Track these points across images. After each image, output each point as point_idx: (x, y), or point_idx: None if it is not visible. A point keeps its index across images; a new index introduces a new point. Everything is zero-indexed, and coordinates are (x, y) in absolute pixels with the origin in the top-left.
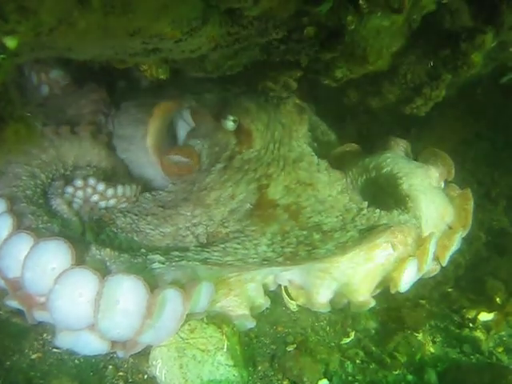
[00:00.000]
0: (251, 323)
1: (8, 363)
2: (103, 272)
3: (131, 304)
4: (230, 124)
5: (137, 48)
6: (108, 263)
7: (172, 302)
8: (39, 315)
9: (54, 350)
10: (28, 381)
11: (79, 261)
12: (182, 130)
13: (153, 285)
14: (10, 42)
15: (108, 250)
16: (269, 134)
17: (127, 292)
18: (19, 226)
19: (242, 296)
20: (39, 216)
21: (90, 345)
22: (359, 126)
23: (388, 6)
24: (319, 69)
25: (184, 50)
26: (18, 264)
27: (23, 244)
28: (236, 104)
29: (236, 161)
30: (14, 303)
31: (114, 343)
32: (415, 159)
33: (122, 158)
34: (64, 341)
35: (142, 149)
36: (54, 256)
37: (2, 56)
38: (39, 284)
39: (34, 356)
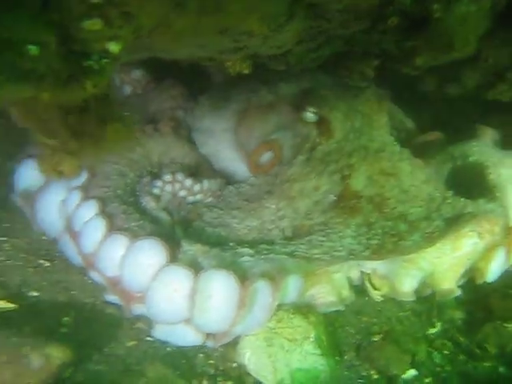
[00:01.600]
0: (341, 308)
1: (106, 350)
2: (196, 267)
3: (224, 297)
4: (310, 116)
5: (226, 45)
6: (200, 258)
7: (263, 293)
8: (136, 309)
9: (148, 338)
10: (126, 366)
11: (172, 257)
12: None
13: (243, 277)
14: (113, 47)
15: (199, 245)
16: (349, 124)
17: (220, 286)
18: (112, 227)
19: (330, 285)
20: (130, 214)
21: (186, 337)
22: (437, 113)
23: None
24: (399, 57)
25: (271, 46)
26: (116, 263)
27: (119, 244)
28: (315, 95)
29: (317, 152)
30: (112, 297)
31: (206, 335)
32: (504, 149)
33: (202, 150)
34: (161, 333)
35: (221, 142)
36: (150, 255)
37: (105, 60)
38: (137, 281)
39: (129, 344)
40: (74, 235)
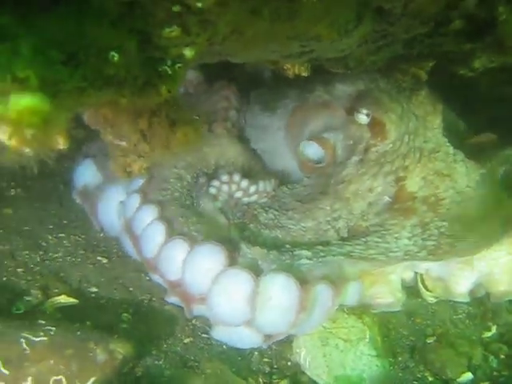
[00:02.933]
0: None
1: (165, 346)
2: (256, 270)
3: (285, 301)
4: (363, 117)
5: (294, 50)
6: (259, 261)
7: (323, 296)
8: (197, 310)
9: (203, 335)
10: (184, 363)
11: (232, 261)
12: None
13: (303, 280)
14: (189, 53)
15: (257, 248)
16: (403, 126)
17: (280, 289)
18: (171, 231)
19: (388, 286)
20: (188, 218)
21: (247, 339)
22: (490, 115)
23: None
24: (456, 59)
25: (336, 50)
26: (177, 267)
27: (179, 249)
28: (368, 96)
29: (371, 153)
30: (173, 299)
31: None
32: None
33: (256, 148)
34: (222, 335)
35: (276, 139)
36: (210, 259)
37: (178, 65)
38: (198, 285)
39: (186, 340)
40: (135, 239)
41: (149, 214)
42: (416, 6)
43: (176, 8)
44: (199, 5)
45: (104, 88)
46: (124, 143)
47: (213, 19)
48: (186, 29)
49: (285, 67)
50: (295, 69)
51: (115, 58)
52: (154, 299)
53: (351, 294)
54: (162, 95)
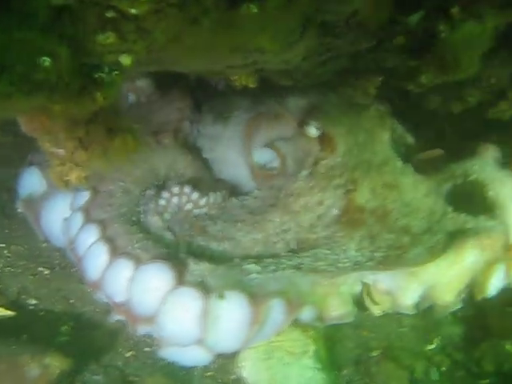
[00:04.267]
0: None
1: (104, 360)
2: (204, 287)
3: (236, 318)
4: (313, 130)
5: (237, 61)
6: (207, 278)
7: (275, 312)
8: (142, 329)
9: (146, 349)
10: (124, 377)
11: (180, 278)
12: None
13: (254, 296)
14: (125, 60)
15: (206, 263)
16: (352, 139)
17: (231, 307)
18: (115, 251)
19: (339, 297)
20: (134, 235)
21: (196, 358)
22: (438, 130)
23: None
24: (403, 75)
25: (280, 62)
26: (122, 288)
27: (124, 269)
28: (318, 110)
29: (321, 166)
30: (118, 317)
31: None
32: (506, 168)
33: (208, 158)
34: (171, 354)
35: (228, 149)
36: (157, 278)
37: (115, 72)
38: (146, 305)
39: (128, 354)
40: (78, 260)
41: (91, 235)
42: (359, 21)
43: (110, 14)
44: (133, 11)
45: (33, 93)
46: (61, 151)
47: (149, 26)
48: (122, 35)
49: (232, 78)
50: (242, 80)
51: (46, 63)
52: (96, 311)
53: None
54: (97, 102)
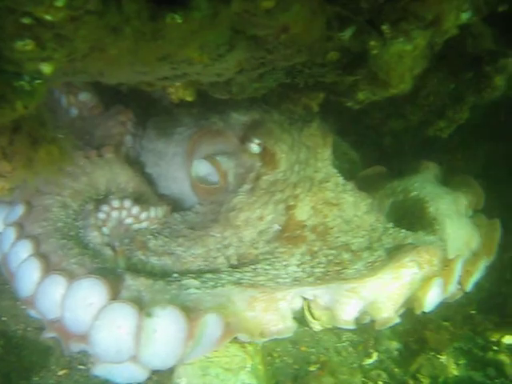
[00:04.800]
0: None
1: (36, 379)
2: (140, 303)
3: (171, 334)
4: (254, 147)
5: (165, 72)
6: (143, 293)
7: (211, 327)
8: (75, 346)
9: (80, 366)
10: None
11: (115, 293)
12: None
13: (190, 311)
14: (46, 68)
15: (142, 278)
16: (293, 156)
17: (166, 322)
18: (48, 267)
19: (279, 312)
20: (70, 249)
21: (131, 375)
22: (382, 147)
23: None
24: (342, 91)
25: (211, 74)
26: (55, 305)
27: (56, 286)
28: (260, 127)
29: (262, 182)
30: (52, 334)
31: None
32: (445, 184)
33: (150, 172)
34: (104, 372)
35: (172, 165)
36: (90, 294)
37: (37, 81)
38: (79, 322)
39: (60, 372)
40: (11, 276)
41: (24, 250)
42: (290, 37)
43: (26, 20)
44: (49, 18)
45: None
46: None
47: (68, 34)
48: (41, 43)
49: (168, 91)
50: (179, 93)
51: None
52: (28, 329)
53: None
54: (17, 111)
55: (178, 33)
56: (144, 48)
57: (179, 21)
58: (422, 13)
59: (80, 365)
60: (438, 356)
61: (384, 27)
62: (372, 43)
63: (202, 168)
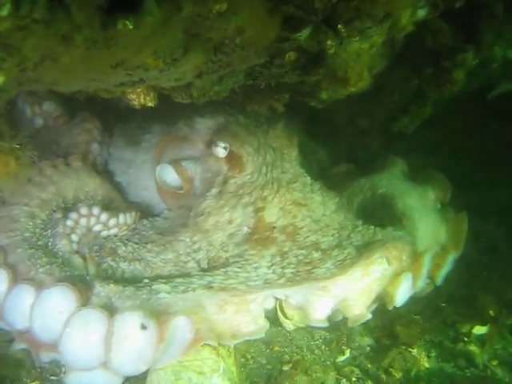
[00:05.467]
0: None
1: None
2: (110, 309)
3: (141, 338)
4: (220, 150)
5: (121, 79)
6: (113, 299)
7: (181, 330)
8: (46, 356)
9: (52, 377)
10: None
11: (85, 301)
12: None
13: (160, 315)
14: None
15: (112, 285)
16: (260, 158)
17: (136, 327)
18: (16, 277)
19: (250, 314)
20: (38, 259)
21: (104, 382)
22: (349, 145)
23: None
24: (305, 91)
25: (169, 79)
26: (24, 315)
27: (25, 295)
28: (225, 130)
29: (230, 185)
30: (21, 345)
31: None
32: (412, 179)
33: (119, 181)
34: (76, 381)
35: (140, 173)
36: (59, 302)
37: None
38: (49, 331)
39: None
40: None
41: None
42: (246, 39)
43: None
44: None
45: None
46: None
47: (16, 44)
48: None
49: (129, 97)
50: (140, 99)
51: None
52: None
53: None
54: None
55: (130, 39)
56: (97, 56)
57: (131, 27)
58: (374, 11)
59: (52, 375)
60: (410, 350)
61: (339, 26)
62: (329, 42)
63: (167, 173)
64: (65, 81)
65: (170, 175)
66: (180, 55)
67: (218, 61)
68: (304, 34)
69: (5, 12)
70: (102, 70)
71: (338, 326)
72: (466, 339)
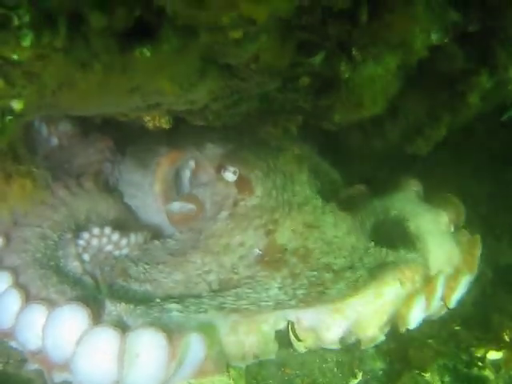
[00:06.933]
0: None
1: None
2: (122, 327)
3: (154, 356)
4: (230, 175)
5: (137, 103)
6: (125, 318)
7: (194, 348)
8: (59, 377)
9: None
10: None
11: (96, 320)
12: (188, 179)
13: (172, 333)
14: (17, 105)
15: (123, 304)
16: (270, 182)
17: (148, 345)
18: (28, 296)
19: (261, 335)
20: (49, 279)
21: None
22: (363, 167)
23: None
24: (319, 114)
25: (185, 103)
26: (36, 335)
27: (37, 315)
28: (235, 155)
29: (240, 208)
30: (34, 366)
31: None
32: (426, 202)
33: (130, 204)
34: None
35: (149, 196)
36: (72, 321)
37: (8, 117)
38: (61, 350)
39: None
40: None
41: (2, 282)
42: (262, 64)
43: None
44: (15, 57)
45: None
46: None
47: (36, 71)
48: (10, 81)
49: (145, 119)
50: (155, 121)
51: None
52: (10, 362)
53: None
54: None
55: (147, 65)
56: (114, 81)
57: (148, 54)
58: (389, 37)
59: None
60: (423, 374)
61: (354, 51)
62: (343, 67)
63: (176, 204)
64: (81, 106)
65: (179, 203)
66: (196, 81)
67: (234, 86)
68: (318, 58)
69: (27, 42)
70: (118, 95)
71: (350, 348)
72: (480, 364)
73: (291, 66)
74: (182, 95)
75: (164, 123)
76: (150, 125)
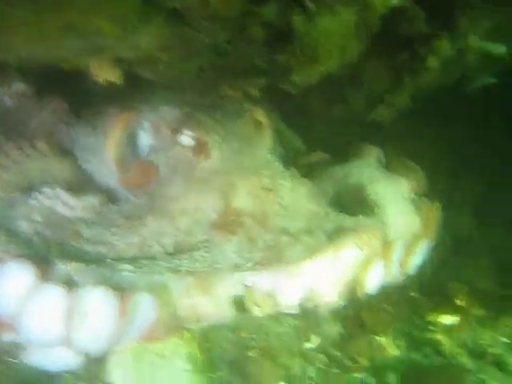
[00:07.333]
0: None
1: None
2: (70, 285)
3: (103, 314)
4: (186, 139)
5: (77, 44)
6: (75, 276)
7: (144, 306)
8: (7, 336)
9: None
10: None
11: (45, 278)
12: (143, 141)
13: (122, 291)
14: None
15: (73, 263)
16: (227, 145)
17: (98, 302)
18: None
19: (217, 298)
20: None
21: (64, 360)
22: (325, 133)
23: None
24: (276, 73)
25: (129, 48)
26: None
27: None
28: (192, 118)
29: (197, 171)
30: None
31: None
32: (387, 169)
33: (85, 168)
34: (34, 358)
35: (104, 159)
36: (18, 278)
37: None
38: (7, 308)
39: None
40: None
41: None
42: (211, 11)
43: None
44: None
45: None
46: None
47: None
48: None
49: (93, 71)
50: (104, 73)
51: None
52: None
53: None
54: None
55: (82, 3)
56: (49, 17)
57: None
58: None
59: (10, 356)
60: (378, 338)
61: (308, 2)
62: (297, 19)
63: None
64: (15, 45)
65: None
66: (138, 23)
67: (182, 34)
68: (270, 8)
69: None
70: (55, 34)
71: (306, 312)
72: (434, 328)
73: (242, 14)
74: (123, 38)
75: (115, 77)
76: (100, 77)
